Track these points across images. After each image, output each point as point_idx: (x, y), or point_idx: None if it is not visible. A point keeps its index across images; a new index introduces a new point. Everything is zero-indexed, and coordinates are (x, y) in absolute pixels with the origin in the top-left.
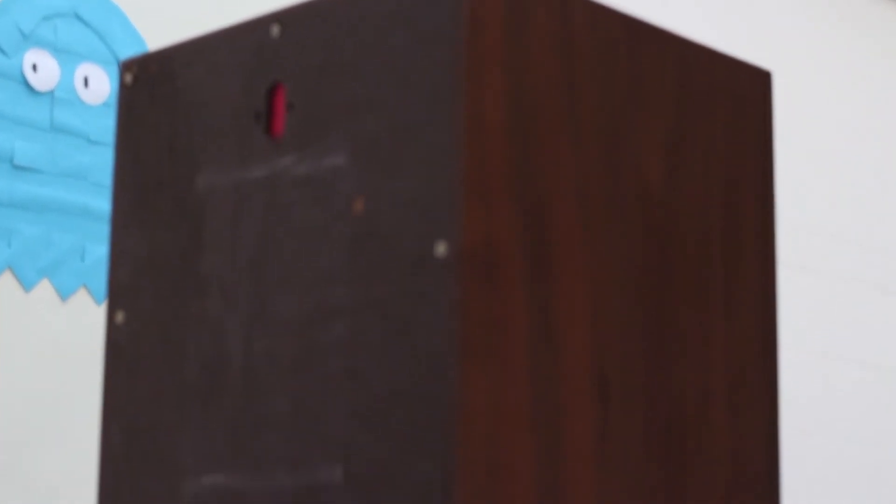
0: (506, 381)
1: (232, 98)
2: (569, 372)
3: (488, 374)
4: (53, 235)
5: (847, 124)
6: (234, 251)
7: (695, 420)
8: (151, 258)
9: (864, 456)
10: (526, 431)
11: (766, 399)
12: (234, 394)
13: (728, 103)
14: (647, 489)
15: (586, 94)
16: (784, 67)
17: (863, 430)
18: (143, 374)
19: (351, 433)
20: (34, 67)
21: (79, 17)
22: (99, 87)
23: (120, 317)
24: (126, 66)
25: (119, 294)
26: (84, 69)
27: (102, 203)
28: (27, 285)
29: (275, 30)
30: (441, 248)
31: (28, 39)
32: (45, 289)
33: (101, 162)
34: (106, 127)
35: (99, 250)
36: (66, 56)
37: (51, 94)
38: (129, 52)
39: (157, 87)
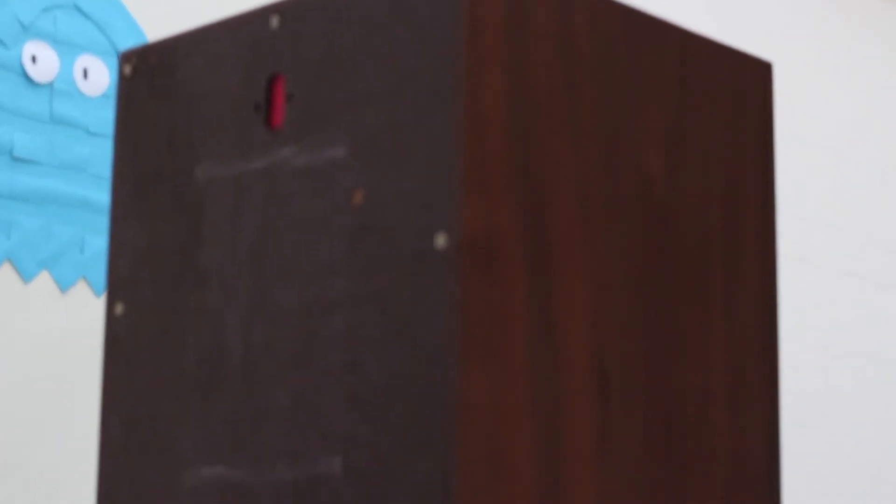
0: (505, 375)
1: (231, 89)
2: (569, 367)
3: (488, 367)
4: (53, 227)
5: (848, 117)
6: (233, 243)
7: (695, 417)
8: (151, 250)
9: (865, 452)
10: (526, 425)
11: (766, 396)
12: (234, 386)
13: (729, 95)
14: (647, 486)
15: (586, 89)
16: (785, 60)
17: (863, 426)
18: (143, 365)
19: (351, 426)
20: (33, 59)
21: (78, 9)
22: (98, 78)
23: (119, 309)
24: (125, 58)
25: (118, 286)
26: (83, 61)
27: (102, 195)
28: (26, 277)
29: (274, 21)
30: (441, 241)
31: (27, 31)
32: (44, 281)
33: (100, 154)
34: (105, 119)
35: (98, 242)
36: (66, 47)
37: (50, 85)
38: (128, 43)
39: (156, 79)
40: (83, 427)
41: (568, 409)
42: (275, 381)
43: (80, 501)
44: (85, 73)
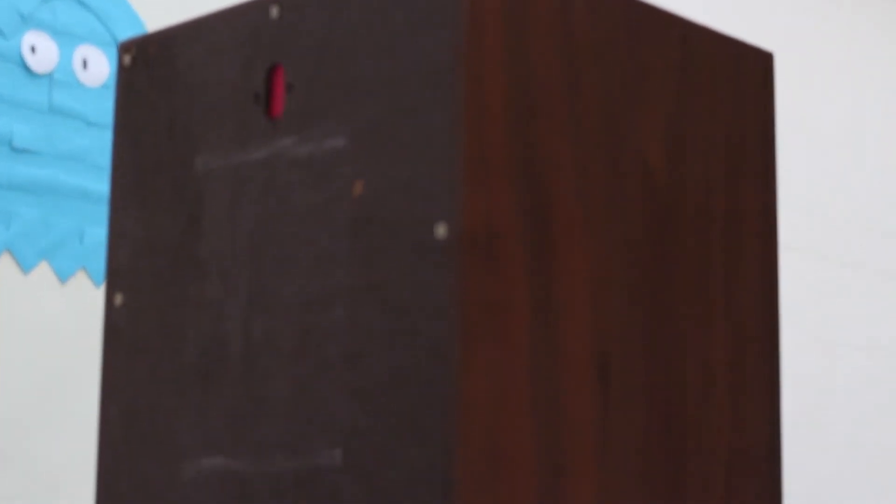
0: (506, 364)
1: (231, 80)
2: (569, 355)
3: (489, 357)
4: (52, 218)
5: (849, 106)
6: (233, 233)
7: (695, 404)
8: (150, 241)
9: (866, 441)
10: (526, 414)
11: (767, 383)
12: (234, 377)
13: (730, 86)
14: (648, 479)
15: (587, 79)
16: (786, 49)
17: (864, 415)
18: (142, 356)
19: (351, 417)
20: (33, 49)
21: None
22: (98, 69)
23: (119, 299)
24: (125, 48)
25: (118, 276)
26: (83, 51)
27: (101, 185)
28: (26, 267)
29: (274, 11)
30: (441, 231)
31: (27, 21)
32: (43, 271)
33: (99, 144)
34: (105, 109)
35: (98, 232)
36: (65, 38)
37: (49, 76)
38: (127, 33)
39: (155, 69)
40: (83, 418)
41: (568, 401)
42: (275, 373)
43: (80, 492)
44: (84, 64)
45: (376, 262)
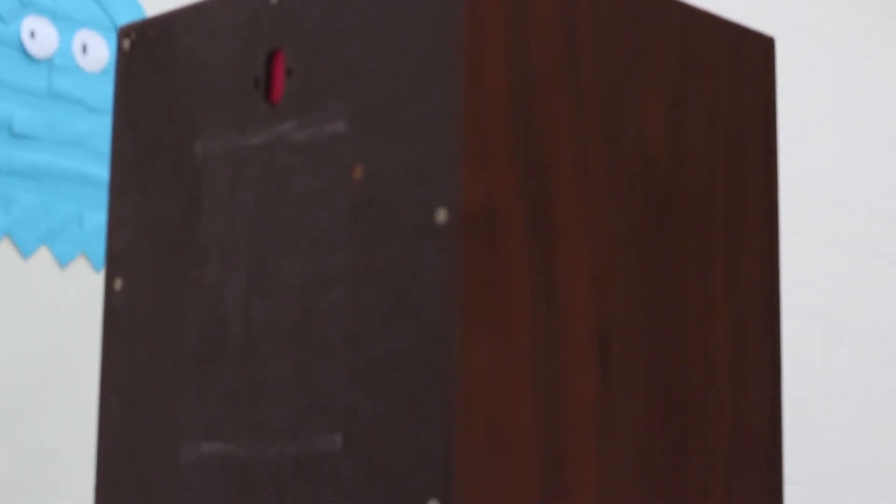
0: (507, 347)
1: (231, 64)
2: (570, 337)
3: (489, 339)
4: (52, 203)
5: (851, 91)
6: (233, 218)
7: (696, 384)
8: (150, 225)
9: (866, 424)
10: (527, 396)
11: (768, 366)
12: (234, 360)
13: (730, 69)
14: (648, 455)
15: (587, 62)
16: (787, 33)
17: (865, 401)
18: (142, 340)
19: (351, 400)
20: (32, 34)
21: None
22: (97, 53)
23: (118, 284)
24: (124, 32)
25: (117, 261)
26: (82, 36)
27: (101, 170)
28: (26, 253)
29: None
30: (441, 215)
31: (26, 6)
32: (43, 256)
33: (99, 129)
34: (104, 94)
35: (97, 217)
36: (65, 23)
37: (49, 61)
38: (127, 18)
39: (155, 53)
40: (83, 402)
41: (569, 381)
42: (275, 356)
43: (80, 476)
44: (84, 49)
45: (376, 245)
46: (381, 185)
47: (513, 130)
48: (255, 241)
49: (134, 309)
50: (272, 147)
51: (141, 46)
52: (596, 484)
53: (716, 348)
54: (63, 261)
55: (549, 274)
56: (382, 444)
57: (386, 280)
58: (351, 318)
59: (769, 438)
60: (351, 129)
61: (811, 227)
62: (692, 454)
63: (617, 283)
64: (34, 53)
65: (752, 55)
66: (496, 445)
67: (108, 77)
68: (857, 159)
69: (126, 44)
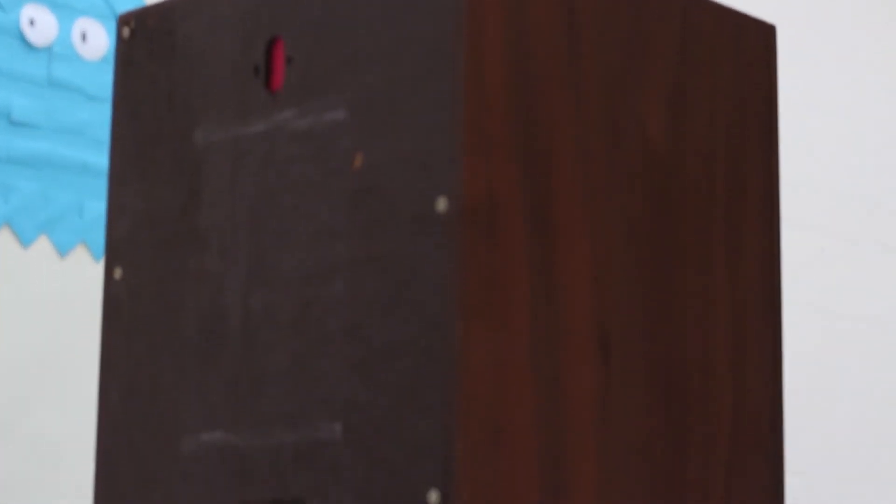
0: (506, 338)
1: (231, 52)
2: (570, 330)
3: (489, 330)
4: (51, 192)
5: (851, 79)
6: (232, 206)
7: (697, 376)
8: (150, 214)
9: (866, 415)
10: (527, 387)
11: (768, 358)
12: (233, 350)
13: (731, 58)
14: (649, 448)
15: (588, 51)
16: (788, 21)
17: (866, 390)
18: (142, 330)
19: (351, 390)
20: (32, 22)
21: None
22: (97, 41)
23: (118, 273)
24: (124, 20)
25: (117, 250)
26: (81, 24)
27: (101, 159)
28: (25, 241)
29: None
30: (442, 204)
31: None
32: (43, 245)
33: (99, 118)
34: (104, 82)
35: (97, 206)
36: (64, 11)
37: (48, 49)
38: (126, 6)
39: (155, 41)
40: (82, 392)
41: (569, 372)
42: (274, 346)
43: (80, 465)
44: (83, 37)
45: (376, 235)
46: (381, 174)
47: (513, 121)
48: (254, 231)
49: (134, 298)
50: (272, 135)
51: (140, 34)
52: (596, 475)
53: (716, 341)
54: (63, 250)
55: (550, 266)
56: (382, 434)
57: (386, 271)
58: (351, 309)
59: (769, 428)
60: (351, 117)
61: (812, 216)
62: (693, 446)
63: (617, 276)
64: (33, 42)
65: (754, 43)
66: (496, 436)
67: (107, 65)
68: (858, 148)
69: (126, 32)
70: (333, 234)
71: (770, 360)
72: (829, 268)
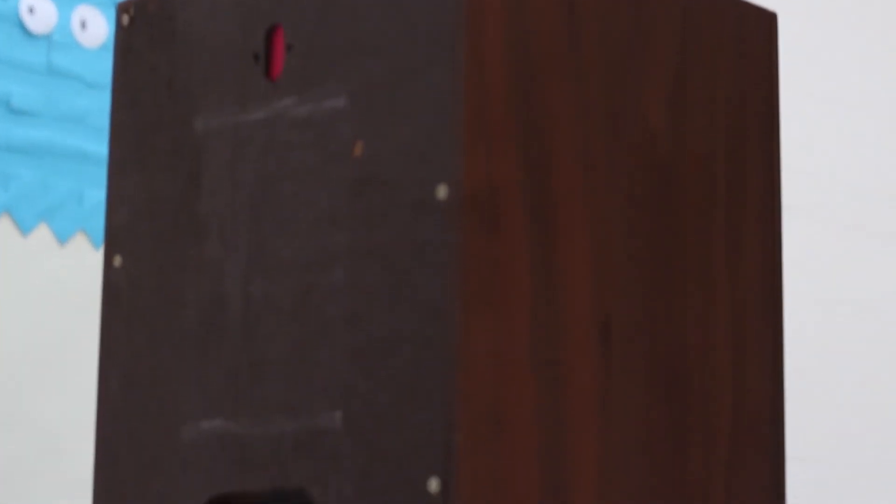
0: (507, 327)
1: (230, 39)
2: (571, 321)
3: (489, 319)
4: (51, 179)
5: (853, 68)
6: (232, 194)
7: (698, 365)
8: (149, 202)
9: (867, 403)
10: (527, 376)
11: (769, 345)
12: (233, 338)
13: (732, 47)
14: (650, 436)
15: (588, 40)
16: (790, 9)
17: (866, 379)
18: (142, 318)
19: (351, 378)
20: (31, 10)
21: None
22: (96, 29)
23: (118, 261)
24: (123, 8)
25: (117, 238)
26: (81, 11)
27: (100, 147)
28: (25, 229)
29: None
30: (442, 192)
31: None
32: (42, 233)
33: (98, 106)
34: (104, 70)
35: (97, 194)
36: None
37: (48, 37)
38: None
39: (154, 29)
40: (82, 380)
41: (570, 363)
42: (274, 334)
43: (79, 452)
44: (83, 24)
45: (376, 222)
46: (381, 162)
47: (514, 109)
48: (254, 219)
49: (133, 286)
50: (272, 123)
51: (140, 22)
52: (596, 466)
53: (717, 326)
54: (62, 237)
55: (550, 255)
56: (383, 423)
57: (386, 259)
58: (351, 297)
59: (770, 416)
60: (351, 105)
61: (813, 204)
62: (693, 436)
63: (617, 260)
64: (33, 29)
65: (755, 31)
66: (497, 425)
67: (107, 53)
68: (860, 136)
69: (125, 19)
70: (333, 222)
71: (771, 357)
72: (829, 255)
